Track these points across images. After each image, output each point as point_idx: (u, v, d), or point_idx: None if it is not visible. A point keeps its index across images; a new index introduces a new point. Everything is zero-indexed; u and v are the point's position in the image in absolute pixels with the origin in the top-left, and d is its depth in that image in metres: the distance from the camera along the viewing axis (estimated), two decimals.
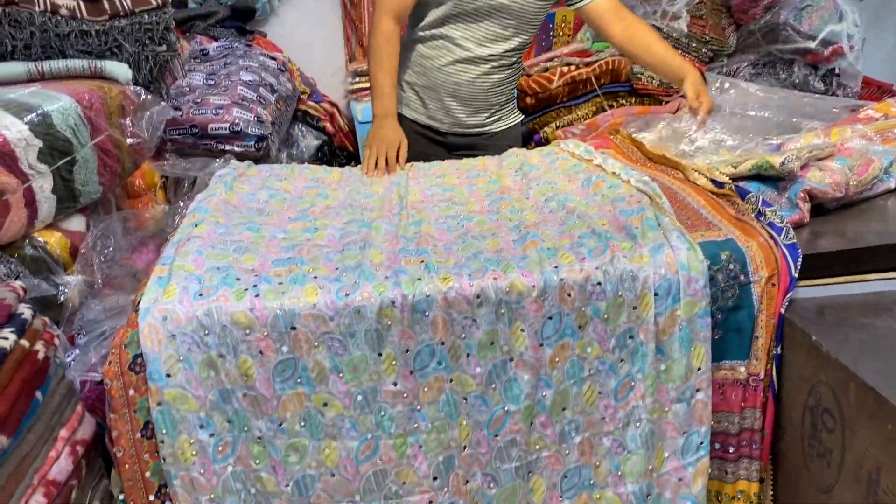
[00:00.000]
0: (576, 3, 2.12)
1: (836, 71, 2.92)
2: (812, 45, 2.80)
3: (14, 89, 1.81)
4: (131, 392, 1.22)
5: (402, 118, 2.16)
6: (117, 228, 1.89)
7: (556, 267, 1.30)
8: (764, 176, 1.60)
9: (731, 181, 1.56)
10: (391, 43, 2.07)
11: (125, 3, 2.22)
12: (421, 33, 2.16)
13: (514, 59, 2.21)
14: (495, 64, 2.16)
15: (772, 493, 1.42)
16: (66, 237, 1.72)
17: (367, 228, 1.51)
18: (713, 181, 1.59)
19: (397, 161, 1.97)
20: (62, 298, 1.64)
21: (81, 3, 2.14)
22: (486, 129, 2.29)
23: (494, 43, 2.12)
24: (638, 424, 1.35)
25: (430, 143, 2.27)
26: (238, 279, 1.28)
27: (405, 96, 2.26)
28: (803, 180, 1.53)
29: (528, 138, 3.21)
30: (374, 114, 2.09)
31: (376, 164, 1.96)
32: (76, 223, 1.80)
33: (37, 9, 2.06)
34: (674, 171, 1.72)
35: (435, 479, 1.31)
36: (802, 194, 1.50)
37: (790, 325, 1.31)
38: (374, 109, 2.10)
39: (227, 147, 2.43)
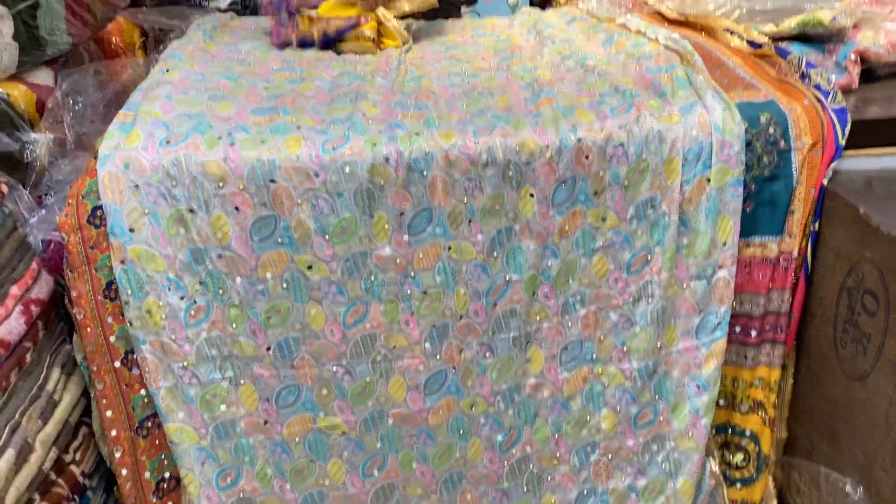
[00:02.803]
0: None
1: None
2: None
3: None
4: (91, 248, 1.09)
5: None
6: (89, 82, 1.72)
7: (573, 126, 1.15)
8: (807, 37, 1.42)
9: (769, 41, 1.39)
10: None
11: None
12: None
13: None
14: None
15: (793, 381, 1.32)
16: (32, 91, 1.57)
17: (361, 81, 1.35)
18: (749, 42, 1.41)
19: None
20: (29, 157, 1.51)
21: None
22: None
23: None
24: (650, 300, 1.23)
25: None
26: (211, 127, 1.13)
27: None
28: (854, 41, 1.36)
29: (542, 7, 2.98)
30: None
31: None
32: (43, 76, 1.64)
33: None
34: (705, 31, 1.54)
35: (427, 344, 1.21)
36: (853, 56, 1.33)
37: (833, 198, 1.17)
38: None
39: (212, 2, 2.22)
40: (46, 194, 1.46)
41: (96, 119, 1.70)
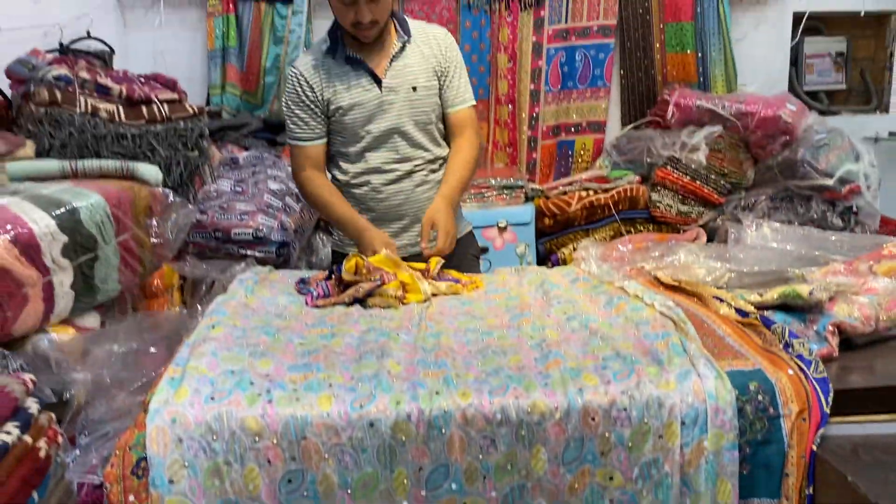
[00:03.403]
0: (446, 108, 2.17)
1: (854, 209, 2.95)
2: (829, 182, 2.85)
3: (46, 185, 1.86)
4: (131, 498, 1.16)
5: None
6: (132, 329, 1.87)
7: (580, 389, 1.26)
8: (789, 307, 1.58)
9: (755, 310, 1.54)
10: (321, 183, 2.10)
11: (163, 110, 2.30)
12: (345, 178, 2.16)
13: (439, 158, 2.19)
14: (424, 170, 2.15)
15: None
16: (80, 333, 1.70)
17: (386, 338, 1.49)
18: (737, 310, 1.56)
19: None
20: (67, 396, 1.61)
21: (121, 108, 2.23)
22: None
23: (412, 149, 2.12)
24: None
25: None
26: (252, 384, 1.25)
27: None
28: (831, 313, 1.51)
29: (546, 259, 3.22)
30: (353, 238, 2.07)
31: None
32: (91, 320, 1.79)
33: (78, 111, 2.13)
34: (696, 298, 1.70)
35: None
36: (832, 327, 1.47)
37: (823, 464, 1.25)
38: (350, 236, 2.08)
39: (249, 252, 2.45)
40: (81, 433, 1.54)
41: (135, 362, 1.82)
